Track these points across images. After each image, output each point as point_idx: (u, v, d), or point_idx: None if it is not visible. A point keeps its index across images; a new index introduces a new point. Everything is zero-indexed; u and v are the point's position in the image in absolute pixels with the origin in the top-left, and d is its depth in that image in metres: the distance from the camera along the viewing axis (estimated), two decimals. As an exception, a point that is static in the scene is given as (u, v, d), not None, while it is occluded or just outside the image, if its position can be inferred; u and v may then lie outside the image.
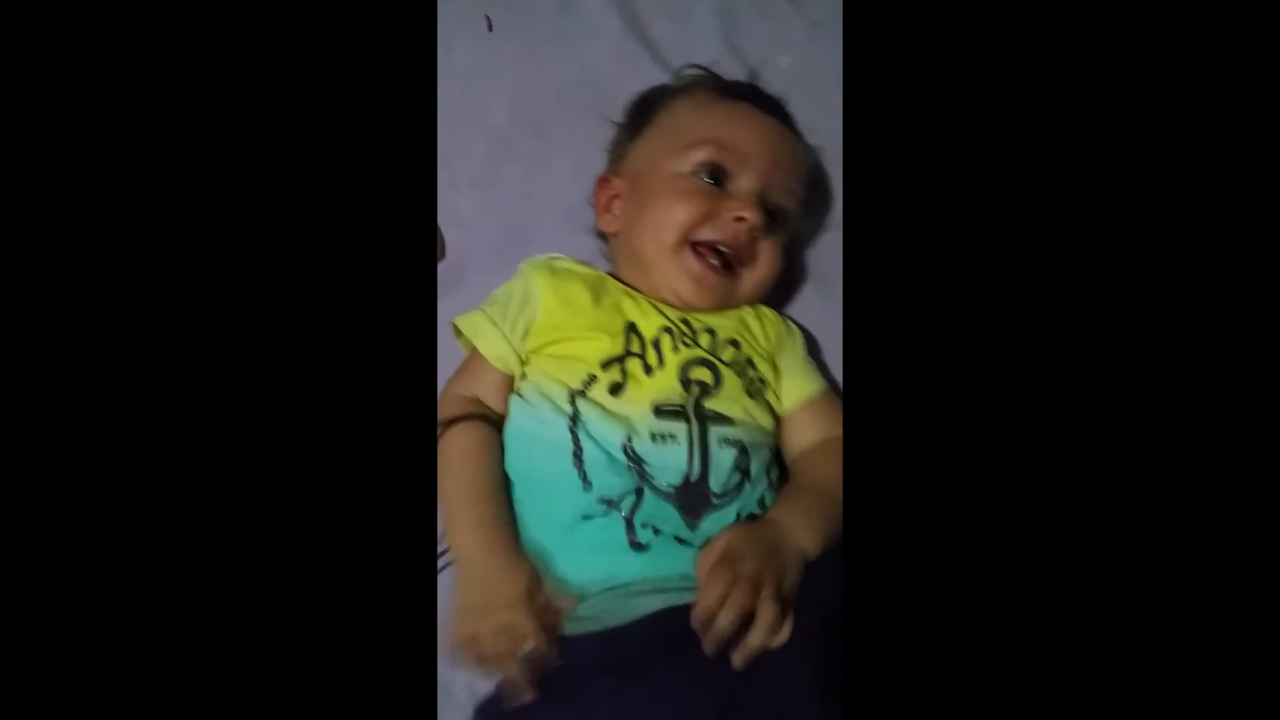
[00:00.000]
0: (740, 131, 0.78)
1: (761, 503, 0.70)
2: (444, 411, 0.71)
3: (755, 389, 0.74)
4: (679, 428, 0.69)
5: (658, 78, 0.91)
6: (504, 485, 0.69)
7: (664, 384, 0.71)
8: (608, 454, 0.67)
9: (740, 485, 0.69)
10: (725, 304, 0.78)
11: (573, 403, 0.69)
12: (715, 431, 0.69)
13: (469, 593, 0.62)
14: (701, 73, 0.89)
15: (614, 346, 0.72)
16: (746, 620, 0.57)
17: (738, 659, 0.56)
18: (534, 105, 0.97)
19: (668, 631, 0.59)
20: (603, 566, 0.64)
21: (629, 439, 0.67)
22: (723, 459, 0.68)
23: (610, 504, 0.65)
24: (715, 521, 0.66)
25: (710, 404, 0.71)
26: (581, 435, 0.67)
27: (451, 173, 0.91)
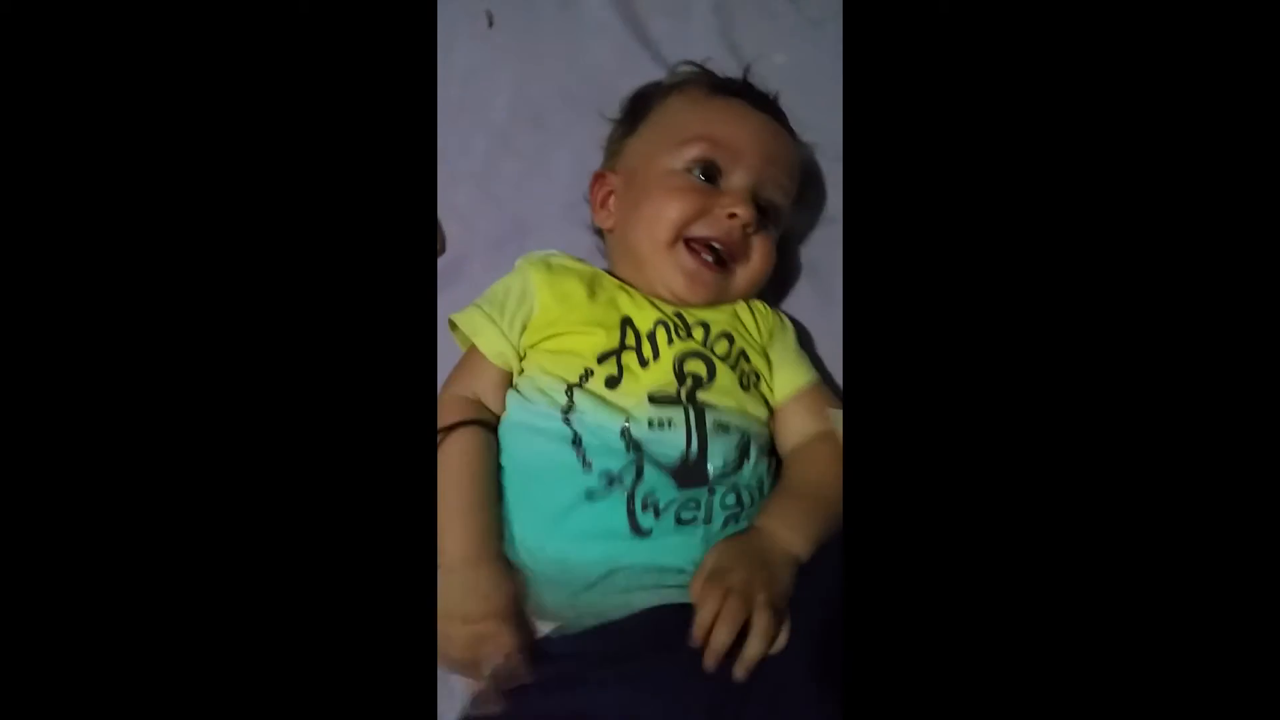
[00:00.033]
0: (733, 128, 0.79)
1: (760, 483, 0.71)
2: (444, 415, 0.72)
3: (749, 382, 0.75)
4: (676, 413, 0.69)
5: (656, 75, 0.92)
6: (497, 495, 0.69)
7: (659, 376, 0.72)
8: (606, 440, 0.67)
9: (739, 464, 0.70)
10: (719, 299, 0.79)
11: (569, 395, 0.69)
12: (711, 416, 0.70)
13: (450, 598, 0.61)
14: (695, 69, 0.89)
15: (609, 340, 0.73)
16: (744, 632, 0.57)
17: (739, 671, 0.56)
18: (534, 102, 0.97)
19: (665, 627, 0.59)
20: (604, 550, 0.65)
21: (627, 425, 0.68)
22: (719, 443, 0.69)
23: (612, 479, 0.66)
24: (716, 500, 0.67)
25: (704, 396, 0.72)
26: (580, 425, 0.68)
27: (452, 168, 0.92)
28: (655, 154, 0.80)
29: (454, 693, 0.64)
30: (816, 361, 0.84)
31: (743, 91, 0.84)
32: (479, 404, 0.74)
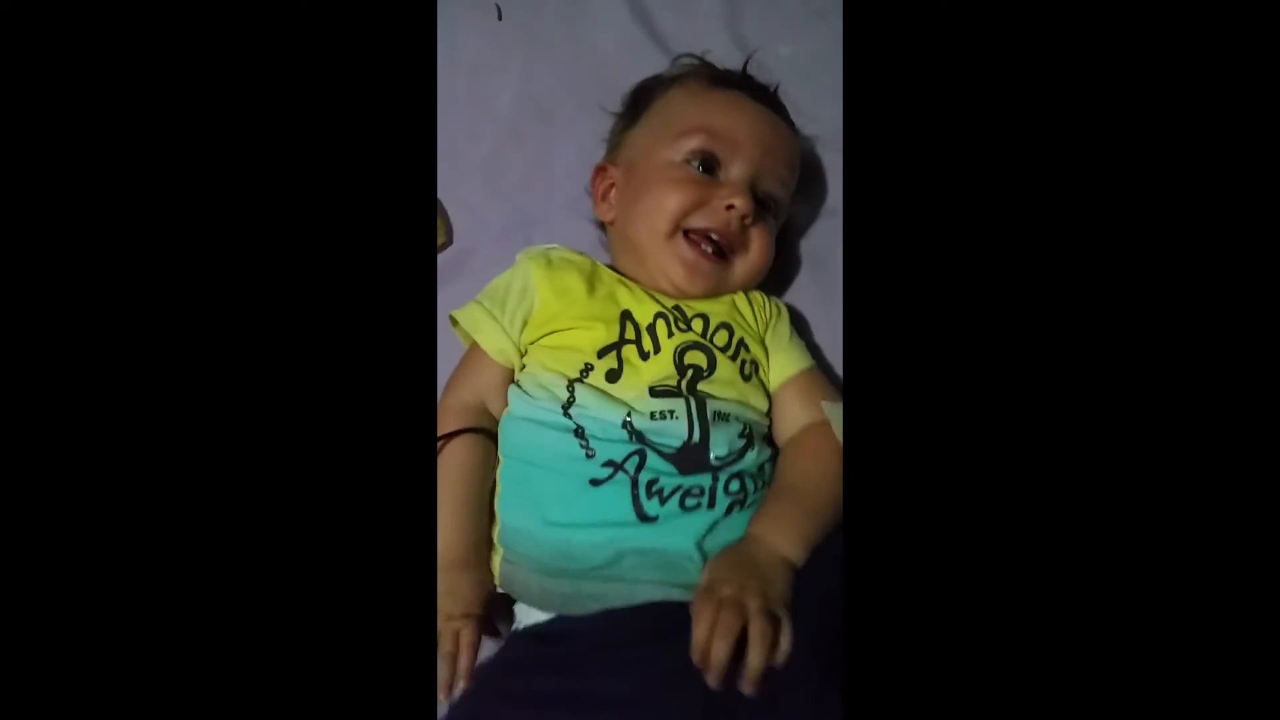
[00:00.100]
0: (731, 120, 0.79)
1: (763, 469, 0.71)
2: (444, 420, 0.73)
3: (748, 371, 0.76)
4: (677, 404, 0.70)
5: (663, 67, 0.92)
6: (490, 502, 0.72)
7: (660, 369, 0.72)
8: (608, 432, 0.68)
9: (742, 453, 0.70)
10: (718, 291, 0.79)
11: (571, 391, 0.70)
12: (712, 406, 0.70)
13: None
14: (695, 62, 0.89)
15: (609, 334, 0.73)
16: (744, 645, 0.55)
17: (746, 687, 0.54)
18: (540, 94, 0.98)
19: (667, 621, 0.60)
20: (609, 535, 0.65)
21: (628, 417, 0.69)
22: (721, 431, 0.69)
23: (615, 466, 0.66)
24: (720, 486, 0.68)
25: (705, 387, 0.72)
26: (582, 418, 0.69)
27: (458, 160, 0.92)
28: (655, 146, 0.80)
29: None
30: (817, 353, 0.84)
31: (742, 83, 0.84)
32: (480, 409, 0.75)
